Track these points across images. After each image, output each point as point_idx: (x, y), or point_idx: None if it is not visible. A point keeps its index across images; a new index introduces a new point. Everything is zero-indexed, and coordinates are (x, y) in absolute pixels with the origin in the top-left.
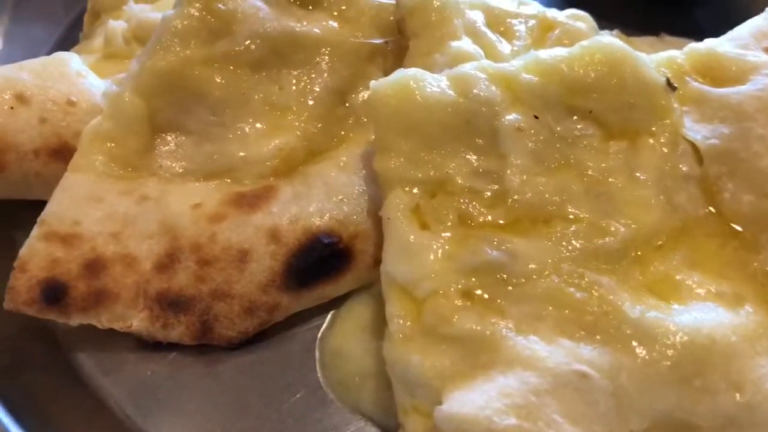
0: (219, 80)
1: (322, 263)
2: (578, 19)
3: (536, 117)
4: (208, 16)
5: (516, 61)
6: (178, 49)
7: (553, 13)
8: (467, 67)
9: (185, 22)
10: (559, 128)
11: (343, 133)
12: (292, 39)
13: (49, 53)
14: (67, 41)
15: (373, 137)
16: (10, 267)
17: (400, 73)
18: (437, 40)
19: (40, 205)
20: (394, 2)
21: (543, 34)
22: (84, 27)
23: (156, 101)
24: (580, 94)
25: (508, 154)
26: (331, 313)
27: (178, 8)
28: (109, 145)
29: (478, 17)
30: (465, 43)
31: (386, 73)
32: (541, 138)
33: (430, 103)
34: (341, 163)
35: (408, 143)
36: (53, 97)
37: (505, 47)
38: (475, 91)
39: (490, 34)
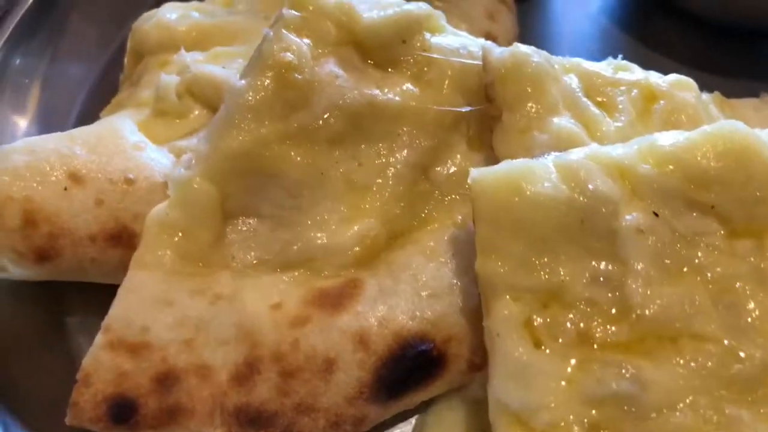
0: (296, 159)
1: (414, 372)
2: (683, 87)
3: (656, 214)
4: (284, 88)
5: (629, 148)
6: (252, 126)
7: (654, 79)
8: (578, 156)
9: (259, 96)
10: (679, 226)
11: (426, 211)
12: (372, 109)
13: (87, 97)
14: (106, 82)
15: (459, 217)
16: (64, 359)
17: (506, 166)
18: (535, 115)
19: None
20: (479, 63)
21: (647, 104)
22: (125, 68)
23: (228, 186)
24: (702, 186)
25: (628, 260)
26: (416, 417)
27: (249, 79)
28: (177, 237)
29: (574, 83)
30: (567, 121)
31: (470, 142)
32: (663, 239)
33: (540, 200)
34: (428, 251)
35: (516, 245)
36: (110, 175)
37: (608, 123)
38: (590, 186)
39: (591, 107)
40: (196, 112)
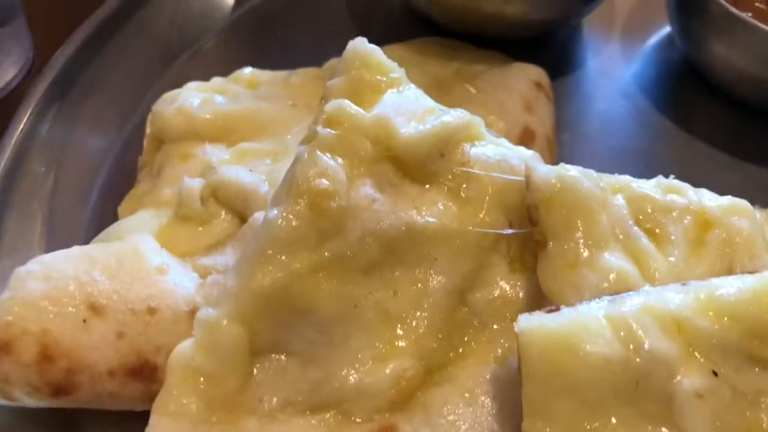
0: (328, 292)
1: None
2: (737, 213)
3: (715, 373)
4: (318, 217)
5: (687, 297)
6: (284, 260)
7: (707, 202)
8: (632, 308)
9: (292, 226)
10: (739, 383)
11: (464, 342)
12: (409, 234)
13: (104, 181)
14: (123, 165)
15: (499, 351)
16: None
17: (558, 323)
18: (583, 248)
19: None
20: (521, 179)
21: (701, 234)
22: (144, 152)
23: (257, 324)
24: (764, 340)
25: (686, 428)
26: None
27: (281, 209)
28: (202, 383)
29: (623, 208)
30: (618, 258)
31: (511, 262)
32: (723, 399)
33: (594, 360)
34: (466, 392)
35: (566, 407)
36: (131, 305)
37: (660, 259)
38: (646, 346)
39: (643, 239)
40: (222, 216)
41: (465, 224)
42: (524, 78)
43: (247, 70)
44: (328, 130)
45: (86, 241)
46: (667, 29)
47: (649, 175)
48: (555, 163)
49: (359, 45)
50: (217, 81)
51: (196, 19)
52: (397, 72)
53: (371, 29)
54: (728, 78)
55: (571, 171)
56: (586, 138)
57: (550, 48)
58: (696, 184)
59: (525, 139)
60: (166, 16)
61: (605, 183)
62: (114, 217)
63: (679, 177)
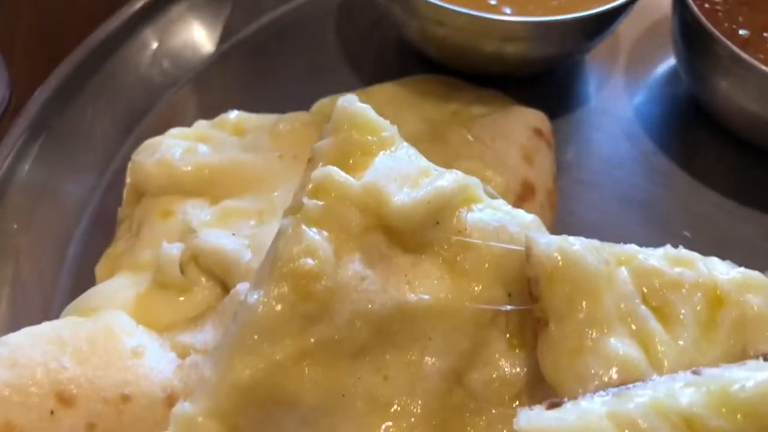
0: (314, 380)
1: None
2: (751, 287)
3: None
4: (303, 301)
5: (698, 392)
6: (266, 349)
7: (718, 275)
8: (638, 405)
9: (274, 312)
10: None
11: (460, 429)
12: (402, 313)
13: (83, 235)
14: (103, 216)
15: None
16: None
17: (558, 424)
18: (587, 332)
19: None
20: (521, 249)
21: (712, 313)
22: (123, 205)
23: (237, 419)
24: None
25: None
26: None
27: (262, 293)
28: None
29: (629, 284)
30: (625, 344)
31: (510, 339)
32: None
33: None
34: None
35: None
36: (104, 393)
37: (669, 342)
38: None
39: (651, 320)
40: (203, 283)
41: (461, 300)
42: (524, 125)
43: (233, 115)
44: (315, 201)
45: (62, 303)
46: (672, 61)
47: (655, 226)
48: (556, 216)
49: (348, 105)
50: (201, 125)
51: (181, 54)
52: (388, 130)
53: (364, 65)
54: (734, 119)
55: (574, 245)
56: (588, 184)
57: (551, 84)
58: (705, 237)
59: (524, 194)
60: (149, 52)
61: (609, 254)
62: (92, 276)
63: (687, 229)
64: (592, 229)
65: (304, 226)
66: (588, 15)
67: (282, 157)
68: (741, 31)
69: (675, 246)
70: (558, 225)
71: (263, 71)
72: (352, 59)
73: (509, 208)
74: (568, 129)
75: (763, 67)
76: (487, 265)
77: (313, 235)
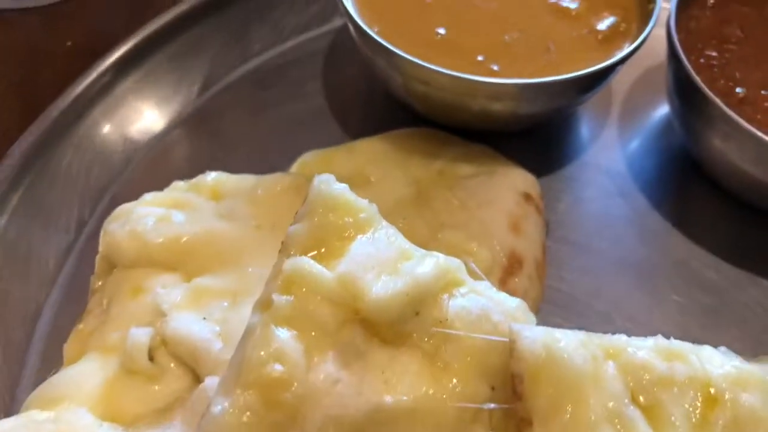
0: None
1: None
2: (747, 384)
3: None
4: (271, 411)
5: None
6: None
7: (712, 370)
8: None
9: (240, 423)
10: None
11: None
12: (378, 416)
13: (56, 301)
14: (76, 283)
15: None
16: None
17: None
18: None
19: None
20: (505, 340)
21: (706, 413)
22: (95, 274)
23: None
24: None
25: None
26: None
27: (227, 403)
28: None
29: (617, 379)
30: None
31: None
32: None
33: None
34: None
35: None
36: None
37: None
38: None
39: (641, 424)
40: (172, 369)
41: (442, 398)
42: (512, 189)
43: (211, 177)
44: (285, 297)
45: (30, 382)
46: (667, 108)
47: (648, 292)
48: (544, 286)
49: (324, 187)
50: (178, 187)
51: (159, 108)
52: (366, 211)
53: (350, 115)
54: (730, 179)
55: (560, 341)
56: (579, 246)
57: (541, 137)
58: (701, 303)
59: (512, 267)
60: (128, 105)
61: (597, 347)
62: (61, 353)
63: (681, 294)
64: (582, 296)
65: (273, 327)
66: (579, 75)
67: (259, 227)
68: (738, 89)
69: (669, 314)
70: (547, 291)
71: (244, 122)
72: (337, 109)
73: (493, 292)
74: (559, 186)
75: (757, 132)
76: (469, 358)
77: (283, 336)
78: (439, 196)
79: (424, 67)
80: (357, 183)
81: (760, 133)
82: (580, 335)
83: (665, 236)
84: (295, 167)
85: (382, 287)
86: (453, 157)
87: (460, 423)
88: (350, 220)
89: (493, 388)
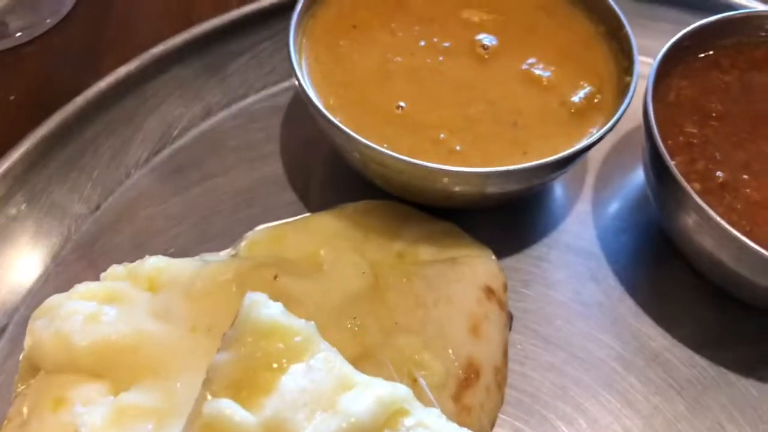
0: None
1: None
2: None
3: None
4: None
5: None
6: None
7: None
8: None
9: None
10: None
11: None
12: None
13: None
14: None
15: None
16: None
17: None
18: None
19: None
20: None
21: None
22: (19, 374)
23: None
24: None
25: None
26: None
27: None
28: None
29: None
30: None
31: None
32: None
33: None
34: None
35: None
36: None
37: None
38: None
39: None
40: None
41: None
42: (473, 284)
43: (149, 263)
44: None
45: None
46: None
47: (617, 392)
48: (504, 393)
49: (254, 311)
50: (115, 274)
51: (100, 182)
52: (302, 334)
53: (310, 185)
54: (703, 265)
55: None
56: (546, 340)
57: (510, 211)
58: (674, 408)
59: (468, 379)
60: (66, 177)
61: None
62: None
63: (653, 397)
64: (547, 397)
65: None
66: (545, 162)
67: (194, 330)
68: (718, 172)
69: (639, 416)
70: (509, 393)
71: (193, 191)
72: (296, 175)
73: (442, 423)
74: (528, 268)
75: (733, 231)
76: None
77: None
78: (396, 287)
79: (379, 151)
80: (307, 271)
81: (735, 232)
82: None
83: (639, 327)
84: (244, 245)
85: (314, 429)
86: (414, 237)
87: None
88: (283, 346)
89: None
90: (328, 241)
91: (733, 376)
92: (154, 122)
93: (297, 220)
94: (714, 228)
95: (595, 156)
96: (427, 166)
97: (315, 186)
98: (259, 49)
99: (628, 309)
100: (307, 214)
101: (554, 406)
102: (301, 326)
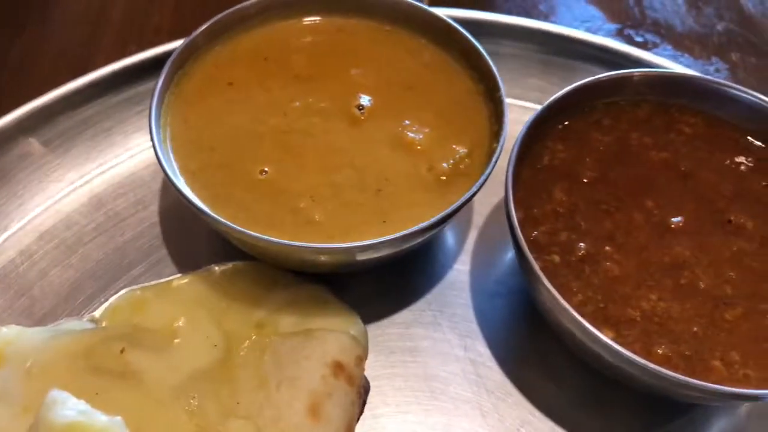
0: None
1: None
2: None
3: None
4: None
5: None
6: None
7: None
8: None
9: None
10: None
11: None
12: None
13: None
14: None
15: None
16: None
17: None
18: None
19: None
20: None
21: None
22: None
23: None
24: None
25: None
26: None
27: None
28: None
29: None
30: None
31: None
32: None
33: None
34: None
35: None
36: None
37: None
38: None
39: None
40: None
41: None
42: (320, 360)
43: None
44: None
45: None
46: None
47: None
48: None
49: (51, 410)
50: None
51: None
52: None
53: (183, 248)
54: (564, 339)
55: None
56: (403, 411)
57: (381, 275)
58: None
59: None
60: None
61: None
62: None
63: None
64: None
65: None
66: (400, 235)
67: (27, 410)
68: (580, 244)
69: None
70: None
71: (58, 259)
72: (169, 236)
73: None
74: (399, 332)
75: (579, 317)
76: None
77: None
78: (246, 364)
79: (224, 224)
80: (159, 343)
81: (582, 320)
82: None
83: (504, 401)
84: (105, 310)
85: None
86: (278, 304)
87: None
88: None
89: None
90: (188, 308)
91: None
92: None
93: (161, 283)
94: (562, 314)
95: (481, 212)
96: (272, 242)
97: (189, 244)
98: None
99: (495, 384)
100: (175, 276)
101: None
102: (104, 423)
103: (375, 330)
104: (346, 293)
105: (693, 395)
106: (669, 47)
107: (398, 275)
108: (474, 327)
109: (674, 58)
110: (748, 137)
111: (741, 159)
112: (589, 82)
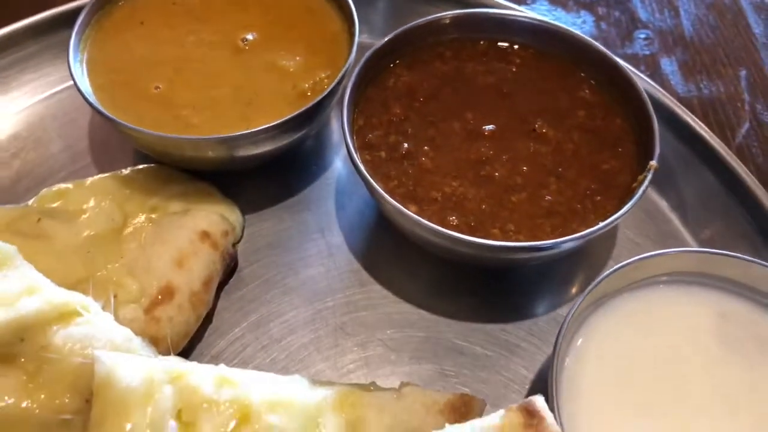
0: None
1: None
2: (276, 408)
3: None
4: None
5: None
6: None
7: (254, 395)
8: None
9: None
10: None
11: None
12: None
13: None
14: None
15: None
16: None
17: None
18: None
19: None
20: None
21: (239, 429)
22: None
23: None
24: None
25: None
26: None
27: None
28: None
29: (169, 399)
30: None
31: None
32: None
33: None
34: None
35: None
36: None
37: None
38: None
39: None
40: None
41: (31, 408)
42: (190, 229)
43: None
44: None
45: None
46: None
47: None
48: (201, 313)
49: None
50: None
51: None
52: (2, 253)
53: (104, 155)
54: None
55: (123, 366)
56: (272, 283)
57: (265, 176)
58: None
59: (163, 296)
60: None
61: (162, 372)
62: None
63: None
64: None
65: None
66: (273, 125)
67: None
68: (405, 144)
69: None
70: (217, 318)
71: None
72: (95, 148)
73: (107, 323)
74: (272, 223)
75: (390, 198)
76: (64, 377)
77: None
78: (134, 234)
79: (125, 125)
80: (69, 217)
81: (389, 197)
82: (151, 362)
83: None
84: (35, 198)
85: None
86: (170, 195)
87: (44, 429)
88: None
89: (87, 401)
90: (97, 196)
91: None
92: None
93: (82, 180)
94: (375, 189)
95: None
96: (153, 135)
97: (109, 154)
98: None
99: (349, 265)
100: (96, 176)
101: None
102: (2, 247)
103: (252, 219)
104: (232, 192)
105: (479, 255)
106: (546, 2)
107: (278, 179)
108: (333, 219)
109: (549, 12)
110: (576, 70)
111: (559, 84)
112: (423, 21)
